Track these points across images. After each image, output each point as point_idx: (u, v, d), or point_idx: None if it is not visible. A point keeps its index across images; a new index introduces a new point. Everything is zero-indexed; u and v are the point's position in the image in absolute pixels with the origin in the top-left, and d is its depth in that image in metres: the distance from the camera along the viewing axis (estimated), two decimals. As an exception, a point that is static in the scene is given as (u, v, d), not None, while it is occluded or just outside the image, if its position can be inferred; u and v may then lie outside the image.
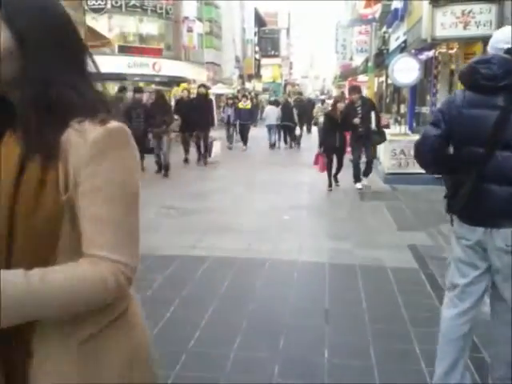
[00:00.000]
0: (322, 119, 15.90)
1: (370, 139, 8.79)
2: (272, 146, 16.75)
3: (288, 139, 17.07)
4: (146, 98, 11.62)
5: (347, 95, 17.41)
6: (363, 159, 9.03)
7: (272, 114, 16.66)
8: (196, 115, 11.37)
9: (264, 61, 54.43)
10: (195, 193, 8.36)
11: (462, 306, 2.48)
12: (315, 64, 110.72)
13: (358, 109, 8.77)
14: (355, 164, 8.91)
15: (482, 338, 3.29)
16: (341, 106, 8.86)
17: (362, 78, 21.46)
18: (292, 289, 4.19)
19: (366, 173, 9.07)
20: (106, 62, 22.28)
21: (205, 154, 12.03)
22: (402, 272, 4.61)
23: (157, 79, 26.37)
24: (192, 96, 13.53)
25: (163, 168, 10.30)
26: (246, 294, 4.08)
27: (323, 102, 20.88)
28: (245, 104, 16.83)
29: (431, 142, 2.40)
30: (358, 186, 8.80)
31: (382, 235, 5.87)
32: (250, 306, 3.84)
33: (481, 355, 3.12)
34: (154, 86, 22.41)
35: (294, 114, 16.92)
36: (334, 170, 8.92)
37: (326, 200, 8.17)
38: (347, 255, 5.12)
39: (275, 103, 17.86)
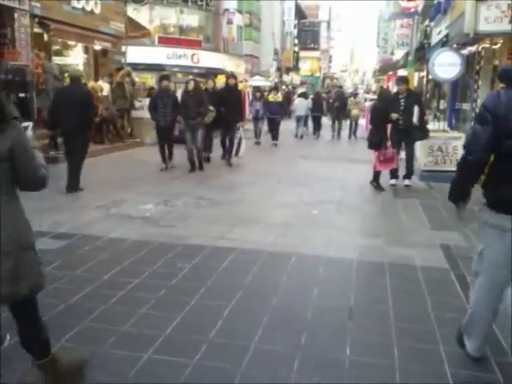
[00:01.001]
0: (354, 112, 18.37)
1: (411, 135, 8.36)
2: (300, 137, 17.78)
3: (317, 129, 18.49)
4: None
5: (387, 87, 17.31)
6: (402, 155, 8.78)
7: (301, 105, 17.87)
8: (224, 108, 10.08)
9: (303, 54, 54.01)
10: (225, 186, 8.38)
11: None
12: (355, 58, 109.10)
13: (402, 101, 8.37)
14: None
15: (508, 342, 3.19)
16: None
17: (401, 72, 20.97)
18: (317, 284, 4.14)
19: (408, 173, 8.59)
20: (145, 53, 22.66)
21: (230, 152, 10.50)
22: (431, 271, 4.50)
23: (195, 71, 26.47)
24: (219, 87, 12.56)
25: (199, 163, 9.63)
26: (271, 287, 4.06)
27: (356, 95, 21.80)
28: (275, 97, 15.79)
29: (483, 142, 2.62)
30: (392, 181, 8.56)
31: (414, 233, 5.74)
32: (273, 299, 3.82)
33: (507, 360, 3.02)
34: (191, 77, 22.49)
35: (324, 106, 19.21)
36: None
37: (358, 195, 8.02)
38: (377, 252, 5.02)
39: (304, 95, 19.09)
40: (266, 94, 16.87)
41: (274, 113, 15.21)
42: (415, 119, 8.28)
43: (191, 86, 9.67)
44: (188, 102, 9.45)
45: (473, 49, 10.20)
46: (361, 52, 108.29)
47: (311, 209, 6.81)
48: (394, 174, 8.56)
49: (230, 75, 11.30)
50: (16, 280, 2.30)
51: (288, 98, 22.32)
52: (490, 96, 2.75)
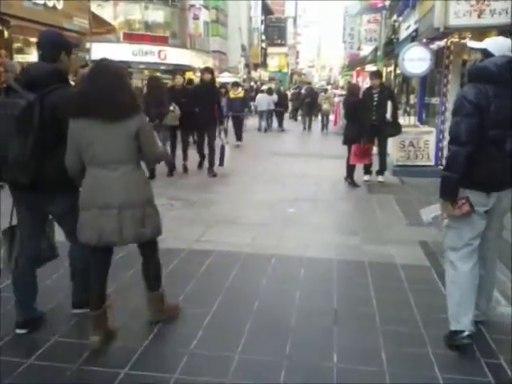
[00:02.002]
0: (325, 106, 19.64)
1: (384, 130, 8.29)
2: (264, 130, 18.72)
3: (281, 123, 19.83)
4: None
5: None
6: (374, 151, 8.77)
7: (262, 101, 18.69)
8: (198, 108, 8.69)
9: (270, 50, 53.96)
10: (197, 185, 8.20)
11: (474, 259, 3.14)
12: (322, 53, 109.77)
13: (375, 96, 8.28)
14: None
15: (497, 343, 3.15)
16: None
17: (370, 67, 21.12)
18: (299, 286, 4.03)
19: (381, 169, 8.56)
20: (110, 50, 22.14)
21: (211, 160, 8.88)
22: (413, 269, 4.44)
23: (162, 67, 26.11)
24: (191, 84, 11.09)
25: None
26: (251, 291, 3.92)
27: (326, 90, 23.26)
28: (236, 93, 14.63)
29: (471, 130, 2.89)
30: (366, 177, 8.55)
31: (391, 230, 5.69)
32: (255, 304, 3.68)
33: (497, 361, 2.97)
34: (159, 75, 22.14)
35: (288, 101, 21.84)
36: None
37: (332, 192, 7.95)
38: (356, 251, 4.95)
39: (268, 91, 20.22)
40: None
41: (237, 110, 14.27)
42: (388, 114, 8.20)
43: (149, 83, 8.97)
44: (147, 102, 8.08)
45: (442, 43, 10.23)
46: (327, 48, 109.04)
47: (287, 207, 6.70)
48: (367, 169, 8.54)
49: (206, 69, 9.39)
50: (143, 225, 3.02)
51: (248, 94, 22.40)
52: (470, 89, 2.92)
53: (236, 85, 15.62)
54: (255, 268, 4.47)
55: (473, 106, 2.86)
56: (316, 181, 8.66)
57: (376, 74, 8.85)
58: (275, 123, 20.01)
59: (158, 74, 22.82)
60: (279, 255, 4.75)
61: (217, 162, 8.80)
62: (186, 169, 9.15)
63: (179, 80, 9.69)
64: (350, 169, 8.31)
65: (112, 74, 2.98)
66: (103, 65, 3.03)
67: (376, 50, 18.50)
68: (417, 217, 6.21)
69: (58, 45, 3.22)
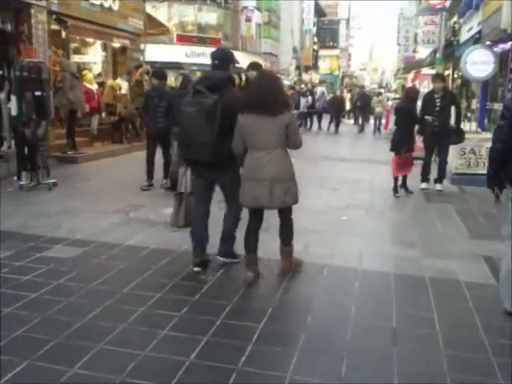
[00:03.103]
0: (378, 109, 20.26)
1: (446, 138, 7.76)
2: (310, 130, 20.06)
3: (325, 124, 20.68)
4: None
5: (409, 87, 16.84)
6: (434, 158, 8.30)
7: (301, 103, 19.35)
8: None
9: (322, 52, 53.45)
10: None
11: None
12: (374, 56, 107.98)
13: (437, 101, 7.77)
14: (425, 162, 8.12)
15: None
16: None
17: (426, 70, 20.45)
18: (354, 301, 3.78)
19: (440, 177, 8.08)
20: (164, 51, 22.38)
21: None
22: (478, 288, 4.10)
23: (213, 69, 26.15)
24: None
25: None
26: (303, 304, 3.72)
27: (380, 94, 23.80)
28: None
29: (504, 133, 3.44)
30: (423, 185, 8.08)
31: (452, 243, 5.33)
32: (307, 318, 3.46)
33: None
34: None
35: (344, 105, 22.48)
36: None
37: (387, 199, 7.60)
38: (415, 265, 4.63)
39: (302, 94, 20.89)
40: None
41: None
42: (452, 121, 7.71)
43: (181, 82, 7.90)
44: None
45: (507, 46, 9.70)
46: (380, 50, 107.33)
47: (340, 214, 6.43)
48: (424, 177, 8.13)
49: (251, 65, 6.12)
50: (286, 195, 3.95)
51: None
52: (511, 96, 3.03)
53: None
54: (307, 278, 4.26)
55: (506, 110, 3.51)
56: (369, 187, 8.35)
57: (439, 77, 8.32)
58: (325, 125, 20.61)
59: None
60: (332, 265, 4.51)
61: None
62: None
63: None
64: (395, 180, 7.79)
65: (272, 81, 4.06)
66: (265, 73, 4.44)
67: (434, 52, 17.86)
68: (479, 229, 5.89)
69: (228, 59, 4.32)
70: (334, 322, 3.46)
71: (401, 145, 7.51)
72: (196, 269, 4.27)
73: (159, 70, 8.65)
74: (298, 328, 3.34)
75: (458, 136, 7.96)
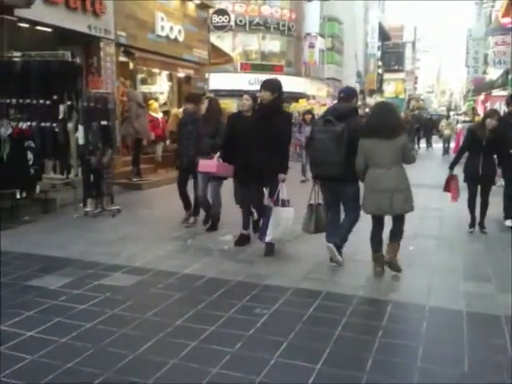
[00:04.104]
0: (447, 132, 20.11)
1: None
2: None
3: None
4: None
5: (480, 110, 16.10)
6: None
7: None
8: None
9: (387, 75, 52.68)
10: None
11: None
12: (442, 78, 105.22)
13: None
14: (506, 195, 7.06)
15: None
16: (491, 123, 6.52)
17: (497, 92, 19.57)
18: (421, 343, 3.47)
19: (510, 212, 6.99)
20: (228, 79, 22.85)
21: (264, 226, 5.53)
22: None
23: (276, 95, 26.36)
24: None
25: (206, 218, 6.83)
26: (365, 344, 3.44)
27: (448, 117, 24.12)
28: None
29: None
30: (508, 223, 6.94)
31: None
32: (368, 362, 3.20)
33: None
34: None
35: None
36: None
37: (457, 229, 7.12)
38: (489, 302, 4.24)
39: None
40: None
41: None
42: None
43: (205, 106, 6.84)
44: (201, 130, 6.63)
45: None
46: (447, 72, 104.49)
47: (406, 244, 6.04)
48: (509, 213, 7.01)
49: (264, 84, 5.68)
50: (405, 203, 4.71)
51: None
52: None
53: (308, 113, 12.75)
54: (369, 316, 3.98)
55: None
56: (439, 215, 7.89)
57: None
58: None
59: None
60: (397, 302, 4.21)
61: None
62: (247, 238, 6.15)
63: (247, 103, 5.97)
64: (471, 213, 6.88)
65: (388, 109, 4.94)
66: (382, 103, 5.94)
67: (506, 73, 17.04)
68: None
69: (353, 94, 5.38)
70: (399, 367, 3.18)
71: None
72: (333, 264, 5.07)
73: (193, 93, 8.08)
74: (359, 373, 3.08)
75: None
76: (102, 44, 9.97)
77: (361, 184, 4.99)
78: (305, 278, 4.81)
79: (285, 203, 5.36)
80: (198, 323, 3.72)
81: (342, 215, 5.23)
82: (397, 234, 4.90)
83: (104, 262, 5.17)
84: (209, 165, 6.11)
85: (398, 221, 4.89)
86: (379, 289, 4.58)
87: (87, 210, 7.58)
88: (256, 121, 5.55)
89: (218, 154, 5.98)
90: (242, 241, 5.94)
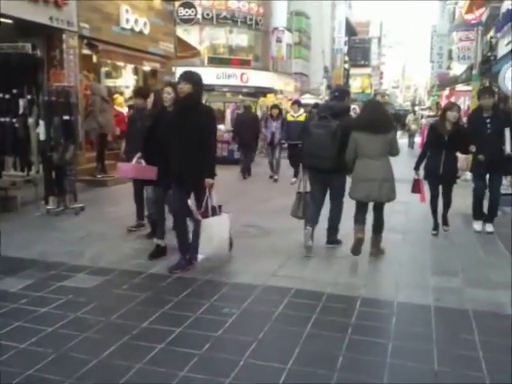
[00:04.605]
0: (413, 127, 21.26)
1: (500, 167, 6.35)
2: None
3: None
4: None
5: (444, 104, 16.36)
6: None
7: None
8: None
9: (353, 70, 53.10)
10: (273, 211, 7.72)
11: None
12: (407, 73, 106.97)
13: (488, 121, 6.29)
14: (476, 195, 6.61)
15: None
16: (452, 115, 6.15)
17: (461, 87, 19.95)
18: (390, 338, 3.46)
19: (491, 215, 6.57)
20: (194, 73, 22.32)
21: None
22: (529, 324, 3.72)
23: (244, 90, 26.33)
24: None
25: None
26: (334, 342, 3.40)
27: (414, 112, 25.41)
28: (296, 115, 11.03)
29: None
30: (476, 227, 6.66)
31: (497, 272, 4.93)
32: (338, 358, 3.16)
33: None
34: (241, 97, 22.25)
35: None
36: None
37: (423, 223, 7.16)
38: (457, 296, 4.28)
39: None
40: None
41: (296, 137, 8.65)
42: (508, 147, 6.15)
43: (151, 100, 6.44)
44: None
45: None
46: (412, 68, 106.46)
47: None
48: (477, 213, 6.73)
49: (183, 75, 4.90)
50: (391, 192, 5.15)
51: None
52: None
53: (296, 103, 11.85)
54: (339, 313, 3.94)
55: None
56: (404, 209, 7.94)
57: (489, 92, 6.67)
58: None
59: (240, 97, 22.96)
60: (366, 298, 4.20)
61: None
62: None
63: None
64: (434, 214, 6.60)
65: (379, 106, 5.52)
66: (373, 101, 6.47)
67: (470, 68, 17.37)
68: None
69: (345, 93, 5.91)
70: (369, 364, 3.15)
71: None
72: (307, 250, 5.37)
73: (141, 87, 7.45)
74: (329, 372, 3.03)
75: None
76: (64, 36, 9.65)
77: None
78: (273, 275, 4.76)
79: (215, 211, 4.72)
80: (165, 325, 3.62)
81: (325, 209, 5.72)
82: (380, 225, 5.37)
83: (67, 263, 5.00)
84: (125, 169, 5.55)
85: (379, 210, 5.35)
86: (348, 285, 4.55)
87: (49, 208, 7.33)
88: (174, 117, 4.74)
89: (138, 155, 5.30)
90: (157, 253, 5.22)
